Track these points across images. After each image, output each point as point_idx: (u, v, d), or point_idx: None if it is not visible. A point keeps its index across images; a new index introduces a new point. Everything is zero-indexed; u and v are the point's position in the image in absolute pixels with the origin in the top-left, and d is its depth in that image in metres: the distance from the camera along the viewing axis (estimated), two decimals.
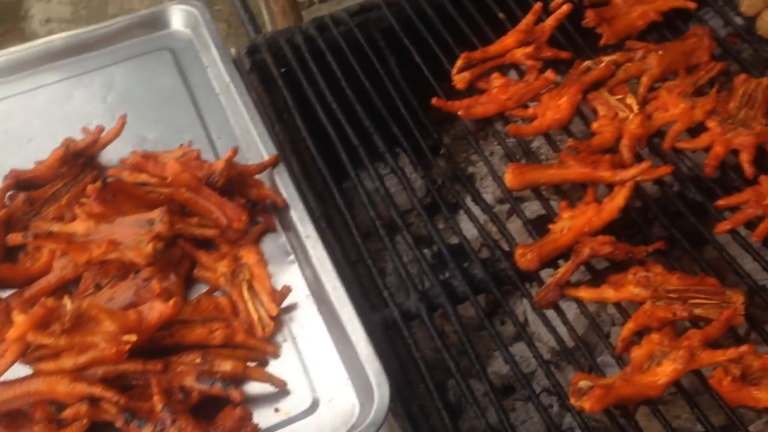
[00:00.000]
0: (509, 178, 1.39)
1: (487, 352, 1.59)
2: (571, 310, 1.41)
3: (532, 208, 1.68)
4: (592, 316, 1.27)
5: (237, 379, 1.13)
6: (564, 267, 1.25)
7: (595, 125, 1.45)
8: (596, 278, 1.28)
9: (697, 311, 1.18)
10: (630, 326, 1.20)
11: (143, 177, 1.29)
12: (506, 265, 1.30)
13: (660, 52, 1.52)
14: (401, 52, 1.62)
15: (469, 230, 1.59)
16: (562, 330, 1.41)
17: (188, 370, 1.10)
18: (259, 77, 1.58)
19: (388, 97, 1.55)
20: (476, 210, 1.59)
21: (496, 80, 1.52)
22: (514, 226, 1.73)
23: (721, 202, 1.34)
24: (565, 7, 1.59)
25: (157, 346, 1.14)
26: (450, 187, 1.52)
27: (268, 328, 1.20)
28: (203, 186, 1.28)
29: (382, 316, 1.25)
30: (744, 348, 1.10)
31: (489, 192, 1.81)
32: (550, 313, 1.27)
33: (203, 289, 1.26)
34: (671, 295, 1.20)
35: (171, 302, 1.10)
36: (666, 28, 1.63)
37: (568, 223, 1.30)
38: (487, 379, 1.20)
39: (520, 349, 1.54)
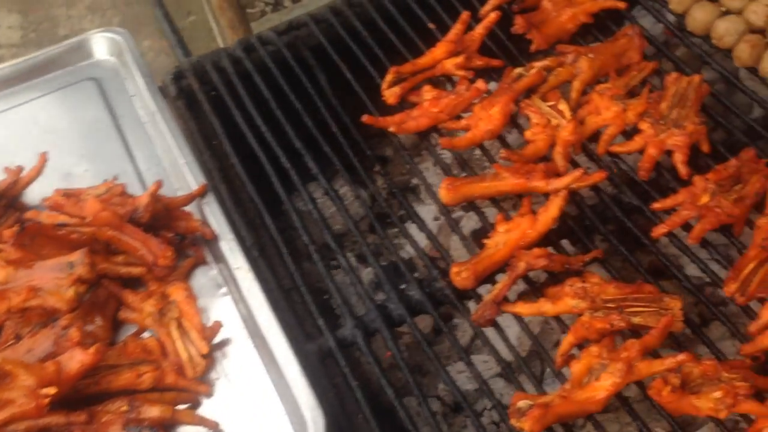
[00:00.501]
0: (443, 193, 1.36)
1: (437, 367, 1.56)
2: (518, 321, 1.39)
3: (477, 218, 1.65)
4: (532, 330, 1.24)
5: (167, 425, 1.10)
6: (500, 283, 1.23)
7: (528, 134, 1.42)
8: (535, 291, 1.26)
9: (636, 320, 1.16)
10: (569, 339, 1.18)
11: (62, 218, 1.24)
12: (443, 284, 1.28)
13: (591, 55, 1.50)
14: (332, 70, 1.59)
15: (412, 246, 1.56)
16: (512, 340, 1.40)
17: (114, 419, 1.07)
18: (185, 104, 1.54)
19: (319, 117, 1.52)
20: (417, 226, 1.57)
21: (428, 93, 1.49)
22: (458, 239, 1.71)
23: (656, 205, 1.32)
24: (493, 15, 1.56)
25: (83, 394, 1.10)
26: (385, 206, 1.49)
27: (200, 368, 1.16)
28: (126, 223, 1.24)
29: (317, 345, 1.21)
30: (681, 357, 1.08)
31: (433, 203, 1.79)
32: (500, 323, 1.25)
33: (135, 329, 1.23)
34: (609, 305, 1.18)
35: (92, 350, 1.06)
36: (597, 29, 1.62)
37: (503, 237, 1.28)
38: (425, 402, 1.17)
39: (475, 359, 1.52)
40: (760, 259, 1.20)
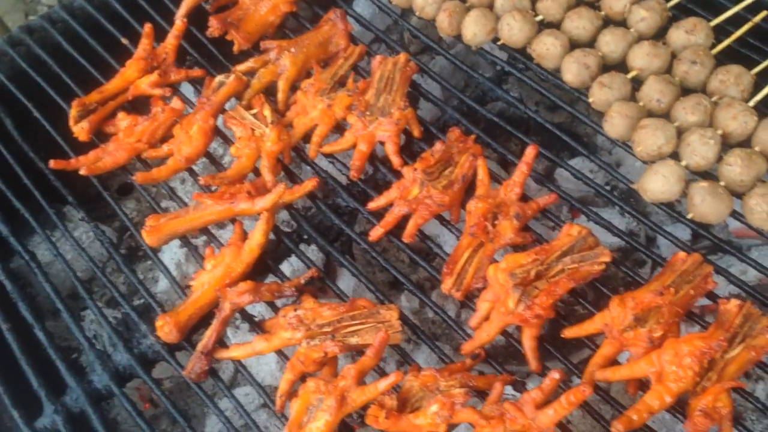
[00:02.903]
0: (145, 236, 1.23)
1: (202, 409, 1.45)
2: None
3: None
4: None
5: None
6: (209, 330, 1.12)
7: (233, 150, 1.30)
8: (255, 326, 1.17)
9: (353, 341, 1.08)
10: (287, 377, 1.08)
11: None
12: (153, 339, 1.15)
13: (292, 50, 1.39)
14: (18, 111, 1.41)
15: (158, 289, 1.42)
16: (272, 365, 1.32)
17: None
18: None
19: (7, 168, 1.34)
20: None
21: (122, 121, 1.34)
22: None
23: (371, 206, 1.24)
24: (180, 23, 1.42)
25: None
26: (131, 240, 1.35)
27: None
28: None
29: None
30: (392, 378, 1.01)
31: None
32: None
33: None
34: (325, 330, 1.09)
35: None
36: (305, 18, 1.51)
37: (208, 276, 1.16)
38: None
39: (239, 392, 1.42)
40: (472, 247, 1.15)
